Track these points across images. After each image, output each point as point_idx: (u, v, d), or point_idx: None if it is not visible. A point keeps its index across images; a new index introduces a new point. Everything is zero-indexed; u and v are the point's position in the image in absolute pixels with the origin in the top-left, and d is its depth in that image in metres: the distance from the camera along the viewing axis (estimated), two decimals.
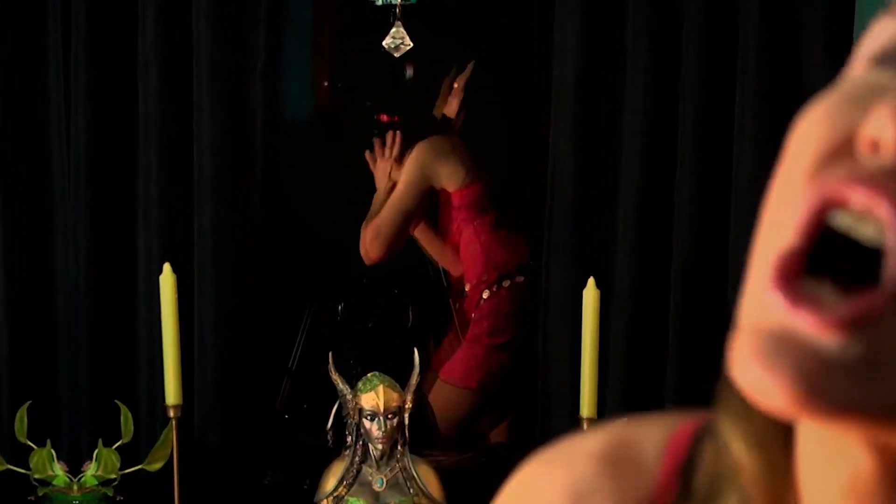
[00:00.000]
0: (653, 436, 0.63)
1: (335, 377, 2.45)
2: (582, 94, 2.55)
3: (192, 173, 2.71)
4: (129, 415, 2.55)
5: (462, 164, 3.22)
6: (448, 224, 3.33)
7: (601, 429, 0.66)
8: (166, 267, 2.42)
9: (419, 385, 2.47)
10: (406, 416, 2.44)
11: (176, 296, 2.40)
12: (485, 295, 3.25)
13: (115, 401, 2.58)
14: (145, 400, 2.79)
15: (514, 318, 3.21)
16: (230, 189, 2.72)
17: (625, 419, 0.65)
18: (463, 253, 3.30)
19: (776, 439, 0.53)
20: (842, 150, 0.47)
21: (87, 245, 2.75)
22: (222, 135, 2.69)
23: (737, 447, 0.54)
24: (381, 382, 2.43)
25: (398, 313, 3.62)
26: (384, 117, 3.46)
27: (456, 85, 3.35)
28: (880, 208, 0.44)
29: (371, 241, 3.24)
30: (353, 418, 2.44)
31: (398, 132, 3.33)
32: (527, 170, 3.20)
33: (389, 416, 2.42)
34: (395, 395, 2.43)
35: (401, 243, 3.29)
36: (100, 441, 2.55)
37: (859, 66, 0.53)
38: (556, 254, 2.63)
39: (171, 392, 2.41)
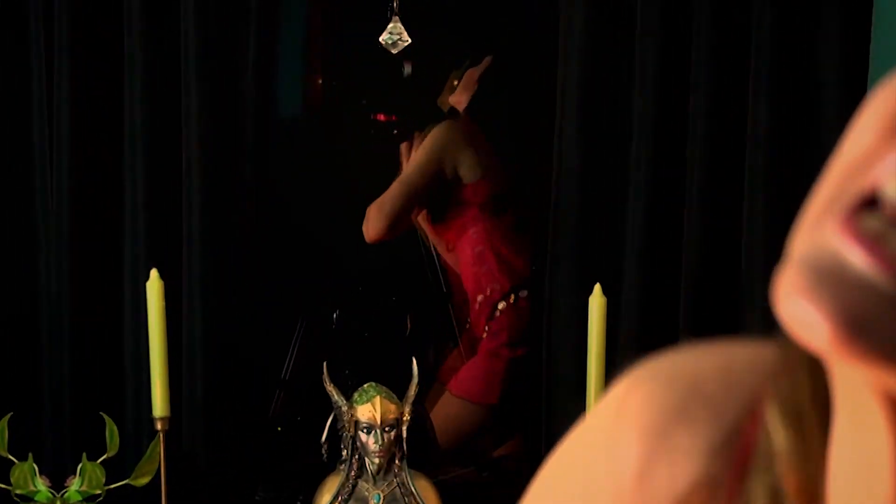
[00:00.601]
0: (752, 373, 0.64)
1: (330, 388, 2.45)
2: (588, 93, 2.55)
3: (180, 175, 2.70)
4: (115, 427, 2.54)
5: (479, 155, 3.20)
6: (454, 219, 3.29)
7: (715, 353, 0.67)
8: (153, 273, 2.41)
9: (418, 396, 2.47)
10: (404, 428, 2.43)
11: (163, 303, 2.40)
12: (500, 306, 3.23)
13: (100, 413, 2.57)
14: (131, 412, 2.78)
15: (532, 330, 3.19)
16: (220, 191, 2.72)
17: (728, 342, 0.65)
18: (464, 253, 3.27)
19: (816, 420, 0.54)
20: None
21: (71, 250, 2.75)
22: (211, 135, 2.69)
23: (775, 423, 0.55)
24: (378, 393, 2.43)
25: (396, 321, 3.62)
26: (381, 117, 3.46)
27: (467, 79, 3.32)
28: None
29: (373, 218, 3.21)
30: (349, 431, 2.43)
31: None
32: (533, 172, 3.19)
33: (386, 428, 2.41)
34: (392, 407, 2.42)
35: (402, 225, 3.27)
36: (84, 455, 2.54)
37: None
38: (560, 260, 2.62)
39: (159, 404, 2.41)
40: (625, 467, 0.66)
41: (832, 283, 0.44)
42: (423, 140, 3.29)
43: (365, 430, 2.41)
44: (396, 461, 2.43)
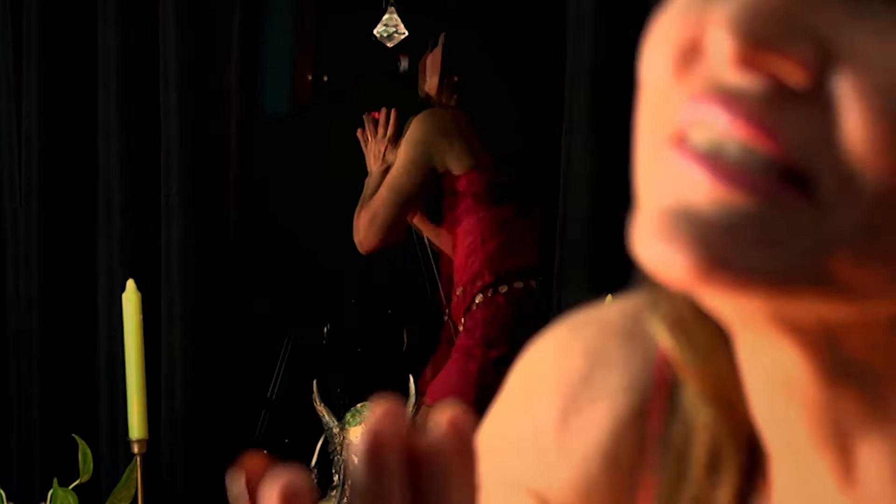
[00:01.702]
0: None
1: (320, 408, 2.45)
2: (599, 79, 2.54)
3: (159, 177, 2.70)
4: (89, 451, 2.53)
5: (468, 143, 3.18)
6: (448, 212, 3.28)
7: (622, 302, 0.73)
8: (130, 283, 2.41)
9: (415, 417, 2.47)
10: None
11: (141, 317, 2.39)
12: (478, 299, 3.22)
13: (73, 435, 2.57)
14: (106, 434, 2.78)
15: (514, 329, 3.18)
16: (202, 195, 2.72)
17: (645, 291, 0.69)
18: (458, 245, 3.27)
19: (703, 330, 0.60)
20: (697, 49, 0.51)
21: (41, 259, 2.75)
22: (193, 134, 2.69)
23: (664, 339, 0.62)
24: None
25: (391, 336, 3.62)
26: (375, 115, 3.47)
27: (429, 62, 3.30)
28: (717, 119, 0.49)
29: (366, 228, 3.19)
30: (341, 454, 2.43)
31: (393, 109, 3.28)
32: (535, 160, 3.18)
33: None
34: None
35: (399, 231, 3.25)
36: (55, 480, 2.53)
37: None
38: (570, 265, 2.62)
39: (136, 425, 2.40)
40: (545, 425, 0.72)
41: (683, 220, 0.49)
42: (379, 123, 3.28)
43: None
44: None
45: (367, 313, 3.59)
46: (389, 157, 3.24)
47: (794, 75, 0.48)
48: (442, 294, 3.48)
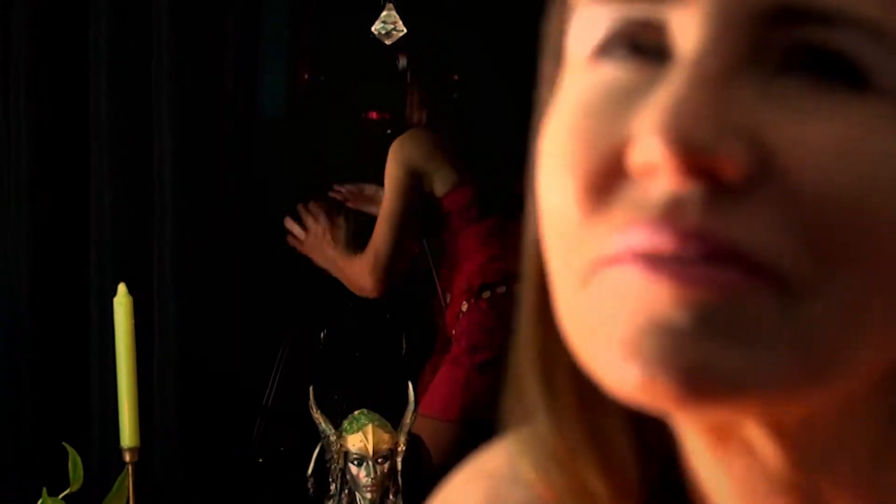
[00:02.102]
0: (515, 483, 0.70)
1: (317, 415, 2.44)
2: None
3: (152, 179, 2.70)
4: (79, 459, 2.53)
5: (449, 161, 3.18)
6: (440, 233, 3.29)
7: (504, 445, 0.73)
8: (121, 288, 2.40)
9: (414, 424, 2.46)
10: (399, 460, 2.42)
11: (132, 321, 2.39)
12: (464, 308, 3.22)
13: (63, 442, 2.57)
14: (97, 441, 2.77)
15: (499, 334, 3.17)
16: (195, 198, 2.71)
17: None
18: (450, 260, 3.28)
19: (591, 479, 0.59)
20: (612, 176, 0.49)
21: (30, 263, 2.74)
22: (186, 135, 2.68)
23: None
24: (370, 421, 2.42)
25: (390, 341, 3.61)
26: (373, 115, 3.46)
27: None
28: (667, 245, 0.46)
29: (371, 272, 3.16)
30: (338, 463, 2.43)
31: (320, 205, 3.24)
32: (524, 168, 3.17)
33: (379, 460, 2.40)
34: (385, 437, 2.41)
35: (407, 259, 3.25)
36: (44, 490, 2.53)
37: (581, 66, 0.53)
38: None
39: (127, 432, 2.40)
40: None
41: (652, 334, 0.46)
42: (308, 219, 3.23)
43: (356, 462, 2.41)
44: (390, 496, 2.42)
45: (365, 317, 3.59)
46: (339, 238, 3.20)
47: (730, 174, 0.46)
48: (440, 297, 3.48)
